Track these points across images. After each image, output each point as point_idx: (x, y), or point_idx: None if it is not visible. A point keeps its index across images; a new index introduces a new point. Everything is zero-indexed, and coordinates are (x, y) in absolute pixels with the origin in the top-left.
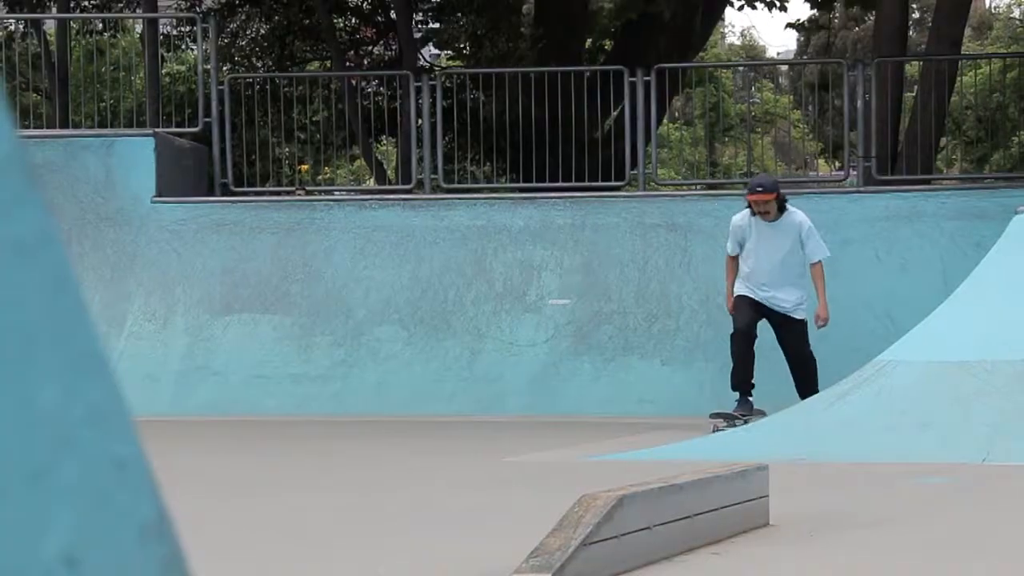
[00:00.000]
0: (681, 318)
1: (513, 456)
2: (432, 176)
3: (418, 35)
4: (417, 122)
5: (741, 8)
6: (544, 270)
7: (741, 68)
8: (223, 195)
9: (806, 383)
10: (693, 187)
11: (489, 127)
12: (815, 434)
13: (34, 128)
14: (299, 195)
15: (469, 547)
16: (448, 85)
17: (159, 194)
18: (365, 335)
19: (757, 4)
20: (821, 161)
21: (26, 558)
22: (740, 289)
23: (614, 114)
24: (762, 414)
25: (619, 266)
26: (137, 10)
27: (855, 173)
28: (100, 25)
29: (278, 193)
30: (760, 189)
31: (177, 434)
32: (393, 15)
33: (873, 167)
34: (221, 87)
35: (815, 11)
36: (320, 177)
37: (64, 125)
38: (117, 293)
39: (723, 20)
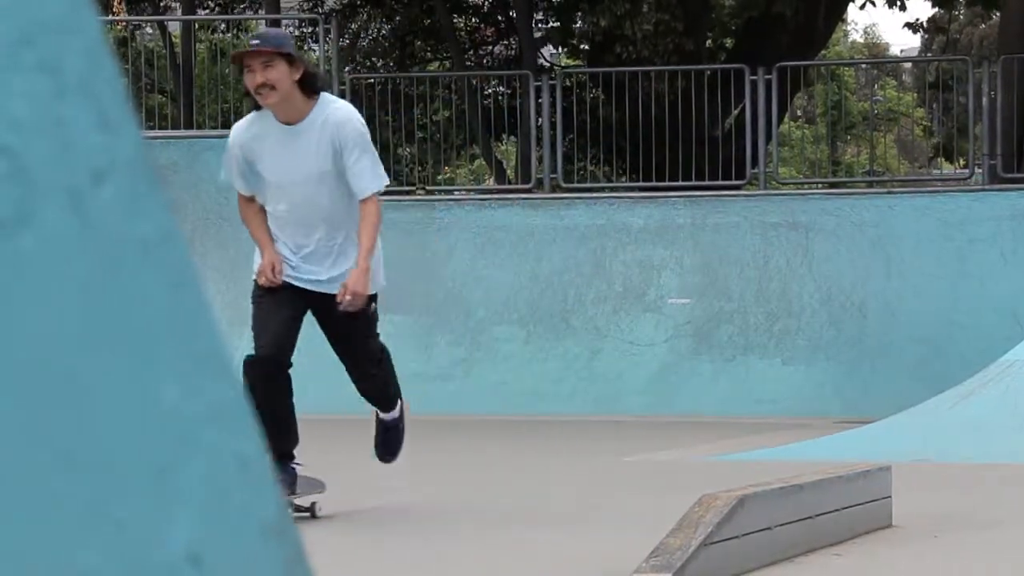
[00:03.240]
0: (802, 318)
1: (632, 456)
2: (552, 175)
3: (538, 34)
4: (537, 121)
5: (863, 6)
6: (664, 269)
7: (864, 66)
8: None
9: (380, 394)
10: (814, 186)
11: (609, 126)
12: (939, 434)
13: (159, 129)
14: (419, 195)
15: (589, 546)
16: (568, 84)
17: None
18: (484, 334)
19: (878, 1)
20: (943, 160)
21: (152, 555)
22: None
23: (735, 112)
24: (318, 485)
25: (739, 265)
26: (260, 11)
27: (980, 171)
28: (224, 26)
29: (399, 192)
30: (256, 42)
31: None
32: (513, 14)
33: (999, 165)
34: (342, 87)
35: (937, 9)
36: (440, 177)
37: (188, 126)
38: (239, 292)
39: (845, 18)
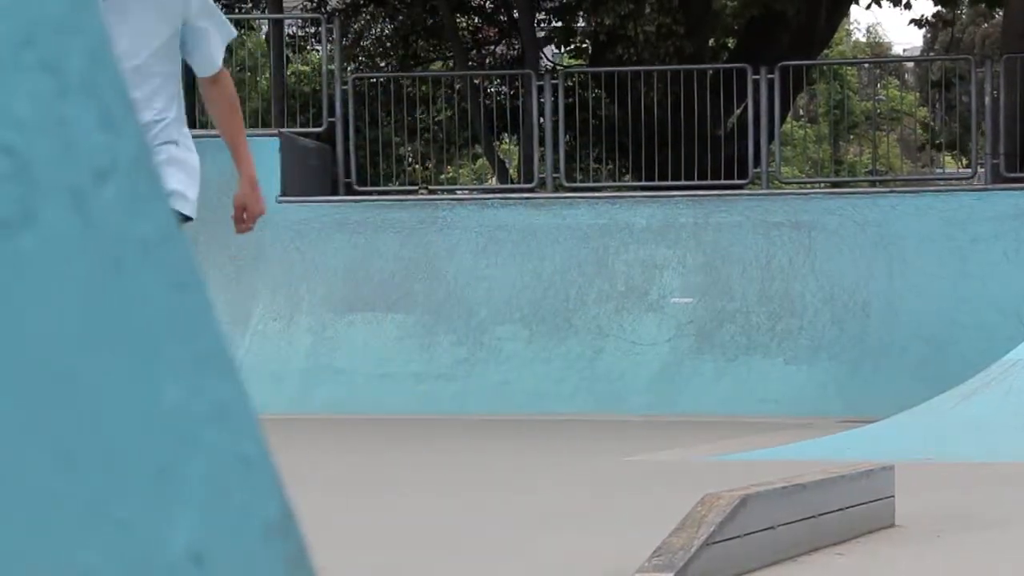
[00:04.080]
0: (805, 317)
1: (634, 455)
2: (554, 175)
3: (541, 34)
4: (539, 121)
5: (869, 6)
6: (666, 269)
7: (866, 65)
8: (347, 195)
9: None
10: (817, 185)
11: (611, 125)
12: (941, 434)
13: None
14: (422, 194)
15: (590, 546)
16: (570, 84)
17: (284, 194)
18: (487, 334)
19: (883, 1)
20: (948, 158)
21: (154, 555)
22: None
23: (737, 112)
24: None
25: (742, 264)
26: (264, 11)
27: (983, 170)
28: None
29: (401, 192)
30: None
31: (301, 432)
32: (515, 14)
33: (1002, 164)
34: (345, 87)
35: (940, 7)
36: (443, 176)
37: (191, 125)
38: (242, 292)
39: (848, 17)
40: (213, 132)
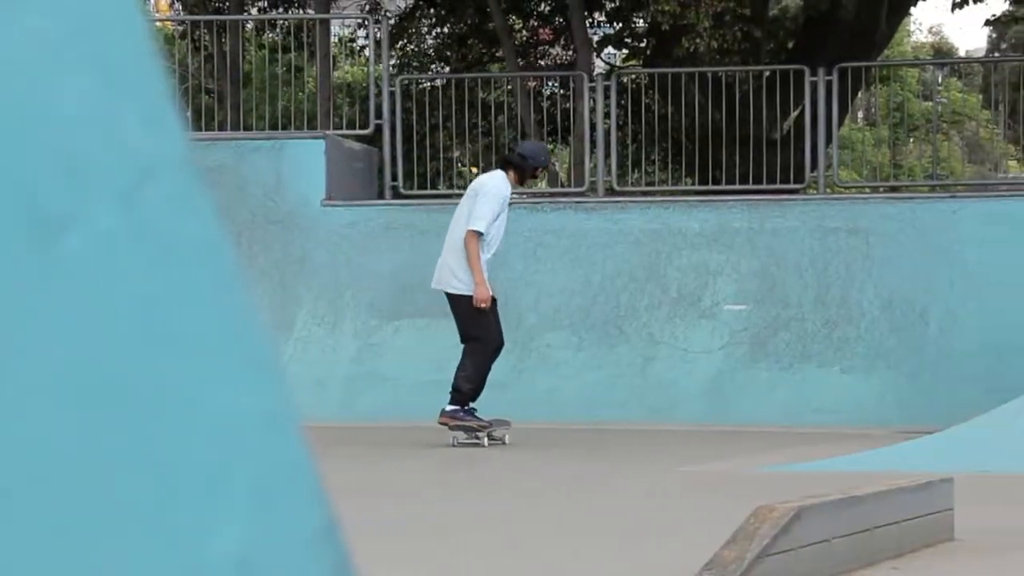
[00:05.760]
0: (862, 324)
1: (686, 465)
2: (605, 179)
3: (596, 36)
4: (591, 123)
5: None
6: (720, 274)
7: (929, 67)
8: (393, 198)
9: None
10: (876, 189)
11: (665, 128)
12: (1002, 446)
13: (206, 131)
14: None
15: (641, 558)
16: (623, 81)
17: (329, 197)
18: (536, 340)
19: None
20: (1013, 162)
21: (197, 560)
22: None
23: (794, 114)
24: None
25: (798, 271)
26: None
27: None
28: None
29: (449, 196)
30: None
31: (345, 440)
32: (567, 16)
33: None
34: (393, 89)
35: (1012, 7)
36: None
37: (235, 128)
38: (286, 296)
39: (911, 16)
40: (257, 135)
